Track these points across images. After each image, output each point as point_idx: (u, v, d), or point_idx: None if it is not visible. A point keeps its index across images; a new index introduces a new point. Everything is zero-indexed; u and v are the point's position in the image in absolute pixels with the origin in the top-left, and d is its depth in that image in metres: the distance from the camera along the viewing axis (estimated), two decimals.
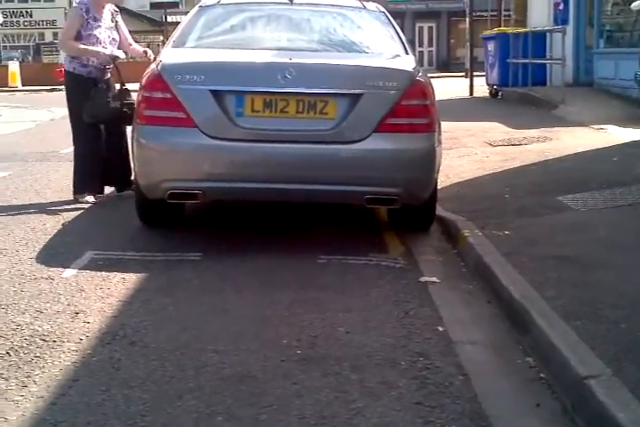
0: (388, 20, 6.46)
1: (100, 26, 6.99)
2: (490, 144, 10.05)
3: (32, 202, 7.19)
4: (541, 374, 3.40)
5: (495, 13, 24.05)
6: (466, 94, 18.66)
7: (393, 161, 5.36)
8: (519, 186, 7.13)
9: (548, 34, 16.68)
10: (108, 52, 6.94)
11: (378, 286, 4.69)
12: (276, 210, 6.50)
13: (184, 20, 6.54)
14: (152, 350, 3.68)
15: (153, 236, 5.83)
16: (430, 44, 44.75)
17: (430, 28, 44.60)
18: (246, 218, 6.48)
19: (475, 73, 19.29)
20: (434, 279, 4.82)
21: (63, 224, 6.24)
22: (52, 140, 11.72)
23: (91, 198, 7.06)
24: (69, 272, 4.93)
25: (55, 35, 39.40)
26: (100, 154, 7.07)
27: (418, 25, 43.72)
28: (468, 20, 23.07)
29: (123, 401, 3.17)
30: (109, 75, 7.15)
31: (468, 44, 21.71)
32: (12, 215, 6.57)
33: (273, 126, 5.32)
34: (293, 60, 5.41)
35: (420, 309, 4.30)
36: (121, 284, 4.71)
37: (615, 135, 10.16)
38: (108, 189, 7.39)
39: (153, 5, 41.38)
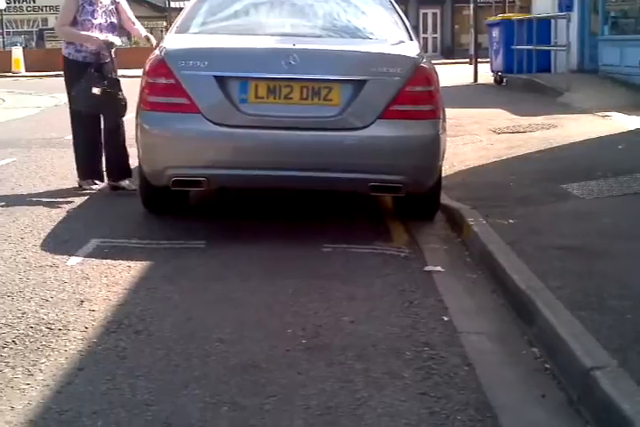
0: (392, 5, 6.43)
1: (95, 10, 6.87)
2: (494, 131, 10.03)
3: (36, 188, 7.18)
4: (547, 365, 3.40)
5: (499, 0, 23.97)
6: (470, 81, 18.59)
7: (397, 148, 5.33)
8: (524, 174, 7.12)
9: (552, 20, 16.60)
10: (102, 37, 6.82)
11: (382, 276, 4.69)
12: (280, 198, 6.49)
13: (187, 5, 6.53)
14: (157, 339, 3.69)
15: (158, 223, 5.83)
16: (434, 31, 44.52)
17: (434, 15, 44.35)
18: (251, 206, 6.48)
19: (479, 59, 19.23)
20: (438, 268, 4.82)
21: (68, 211, 6.24)
22: (57, 127, 11.67)
23: (95, 185, 7.05)
24: (74, 260, 4.94)
25: None
26: (99, 140, 7.00)
27: (422, 11, 43.48)
28: (472, 6, 22.93)
29: (128, 390, 3.17)
30: (108, 60, 6.95)
31: (473, 30, 21.56)
32: (16, 202, 6.57)
33: (277, 113, 5.30)
34: (297, 46, 5.37)
35: (425, 298, 4.30)
36: (126, 272, 4.71)
37: (620, 123, 10.13)
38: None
39: None
